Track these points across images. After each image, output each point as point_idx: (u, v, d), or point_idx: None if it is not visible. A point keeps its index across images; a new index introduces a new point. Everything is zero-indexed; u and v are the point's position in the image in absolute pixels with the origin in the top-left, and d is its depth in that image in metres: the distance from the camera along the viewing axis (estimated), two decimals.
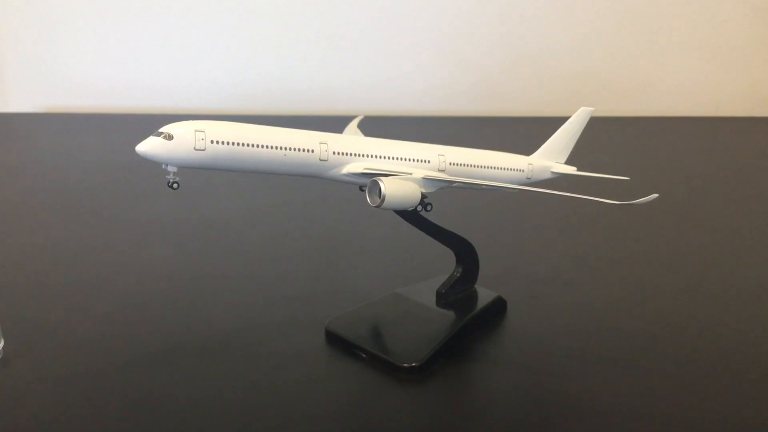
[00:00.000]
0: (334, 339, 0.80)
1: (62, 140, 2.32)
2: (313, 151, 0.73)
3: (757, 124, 2.96)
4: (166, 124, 0.67)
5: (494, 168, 0.88)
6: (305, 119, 2.58)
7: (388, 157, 0.78)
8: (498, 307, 0.89)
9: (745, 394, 0.70)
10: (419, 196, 0.74)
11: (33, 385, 0.69)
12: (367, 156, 0.77)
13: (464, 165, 0.84)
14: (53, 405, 0.66)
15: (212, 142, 0.67)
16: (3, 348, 0.75)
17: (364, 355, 0.75)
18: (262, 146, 0.70)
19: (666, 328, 0.87)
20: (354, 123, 1.03)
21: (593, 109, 0.98)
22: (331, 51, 2.90)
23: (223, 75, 2.89)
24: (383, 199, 0.70)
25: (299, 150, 0.72)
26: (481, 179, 0.85)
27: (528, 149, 0.97)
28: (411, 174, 0.76)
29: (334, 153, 0.75)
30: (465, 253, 0.88)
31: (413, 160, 0.80)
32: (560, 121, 0.99)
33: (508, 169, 0.90)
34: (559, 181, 0.97)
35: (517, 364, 0.76)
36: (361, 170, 0.75)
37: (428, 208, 0.78)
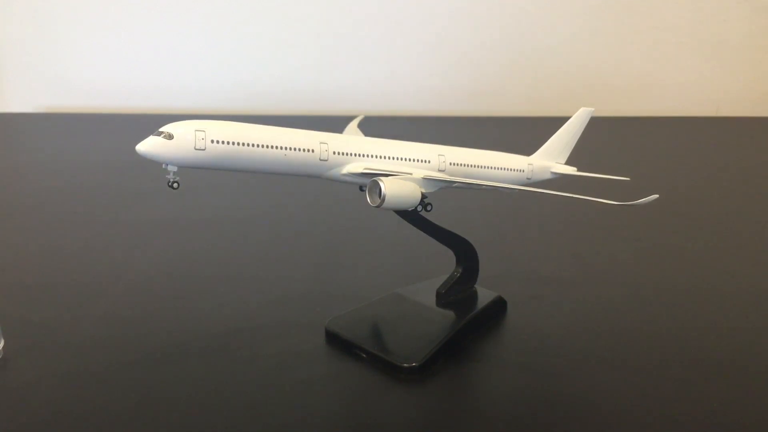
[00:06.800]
0: (334, 339, 0.80)
1: (62, 140, 2.32)
2: (313, 151, 0.73)
3: (757, 124, 2.95)
4: (166, 123, 0.67)
5: (494, 168, 0.88)
6: (305, 119, 2.58)
7: (388, 157, 0.78)
8: (498, 307, 0.89)
9: (745, 395, 0.70)
10: (419, 196, 0.74)
11: (33, 385, 0.69)
12: (367, 156, 0.77)
13: (464, 165, 0.84)
14: (53, 405, 0.66)
15: (212, 141, 0.67)
16: (3, 348, 0.75)
17: (364, 355, 0.75)
18: (263, 146, 0.70)
19: (666, 328, 0.87)
20: (354, 123, 1.03)
21: (593, 109, 0.98)
22: (331, 51, 2.90)
23: (223, 75, 2.89)
24: (383, 199, 0.70)
25: (299, 150, 0.72)
26: (481, 179, 0.85)
27: (528, 149, 0.97)
28: (411, 174, 0.76)
29: (334, 153, 0.75)
30: (465, 253, 0.88)
31: (413, 160, 0.80)
32: (560, 121, 0.99)
33: (508, 169, 0.90)
34: (559, 181, 0.97)
35: (517, 364, 0.76)
36: (361, 170, 0.75)
37: (428, 208, 0.78)
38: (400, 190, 0.72)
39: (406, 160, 0.79)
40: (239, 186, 1.61)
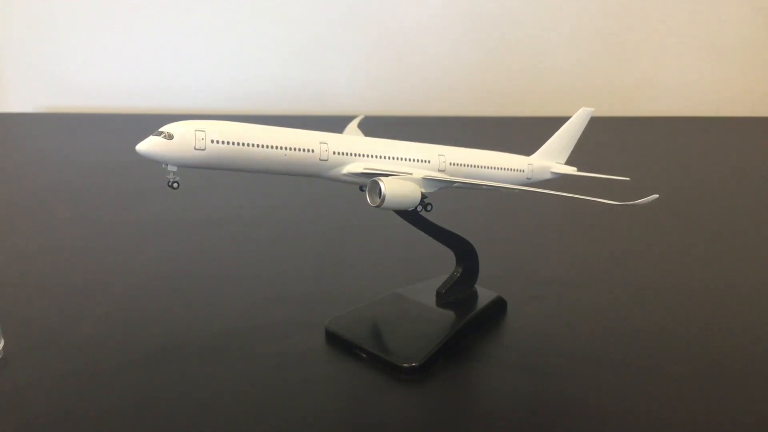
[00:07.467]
0: (334, 339, 0.80)
1: (62, 140, 2.32)
2: (313, 151, 0.73)
3: (757, 124, 2.95)
4: (166, 123, 0.67)
5: (494, 168, 0.88)
6: (305, 119, 2.58)
7: (388, 157, 0.78)
8: (498, 307, 0.89)
9: (745, 395, 0.70)
10: (419, 196, 0.74)
11: (33, 385, 0.69)
12: (367, 156, 0.77)
13: (464, 165, 0.84)
14: (53, 405, 0.66)
15: (212, 141, 0.67)
16: (3, 348, 0.75)
17: (364, 355, 0.75)
18: (263, 146, 0.70)
19: (666, 328, 0.87)
20: (354, 123, 1.03)
21: (593, 109, 0.98)
22: (331, 51, 2.90)
23: (222, 75, 2.89)
24: (383, 199, 0.70)
25: (299, 150, 0.72)
26: (481, 179, 0.85)
27: (528, 149, 0.97)
28: (411, 174, 0.76)
29: (334, 153, 0.75)
30: (465, 253, 0.88)
31: (413, 160, 0.80)
32: (560, 121, 0.99)
33: (508, 169, 0.90)
34: (559, 181, 0.97)
35: (517, 364, 0.76)
36: (361, 170, 0.75)
37: (428, 208, 0.78)
38: (400, 190, 0.72)
39: (406, 160, 0.79)
40: (239, 186, 1.61)
